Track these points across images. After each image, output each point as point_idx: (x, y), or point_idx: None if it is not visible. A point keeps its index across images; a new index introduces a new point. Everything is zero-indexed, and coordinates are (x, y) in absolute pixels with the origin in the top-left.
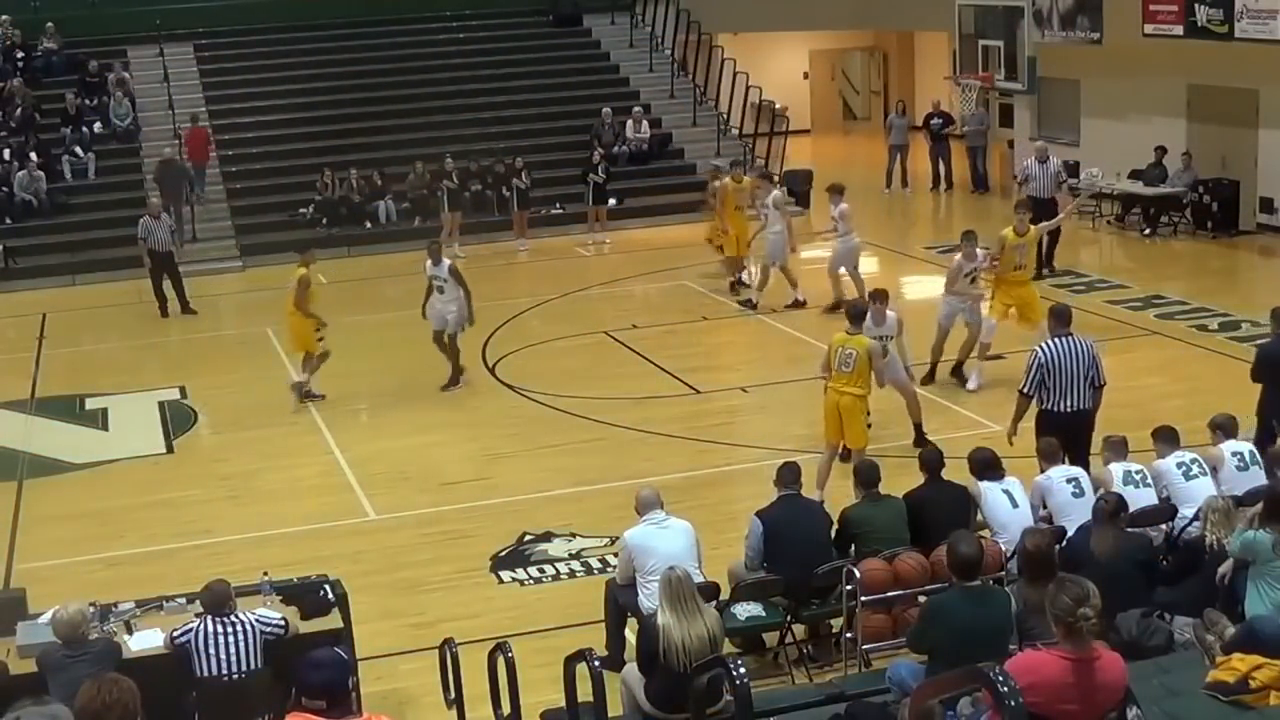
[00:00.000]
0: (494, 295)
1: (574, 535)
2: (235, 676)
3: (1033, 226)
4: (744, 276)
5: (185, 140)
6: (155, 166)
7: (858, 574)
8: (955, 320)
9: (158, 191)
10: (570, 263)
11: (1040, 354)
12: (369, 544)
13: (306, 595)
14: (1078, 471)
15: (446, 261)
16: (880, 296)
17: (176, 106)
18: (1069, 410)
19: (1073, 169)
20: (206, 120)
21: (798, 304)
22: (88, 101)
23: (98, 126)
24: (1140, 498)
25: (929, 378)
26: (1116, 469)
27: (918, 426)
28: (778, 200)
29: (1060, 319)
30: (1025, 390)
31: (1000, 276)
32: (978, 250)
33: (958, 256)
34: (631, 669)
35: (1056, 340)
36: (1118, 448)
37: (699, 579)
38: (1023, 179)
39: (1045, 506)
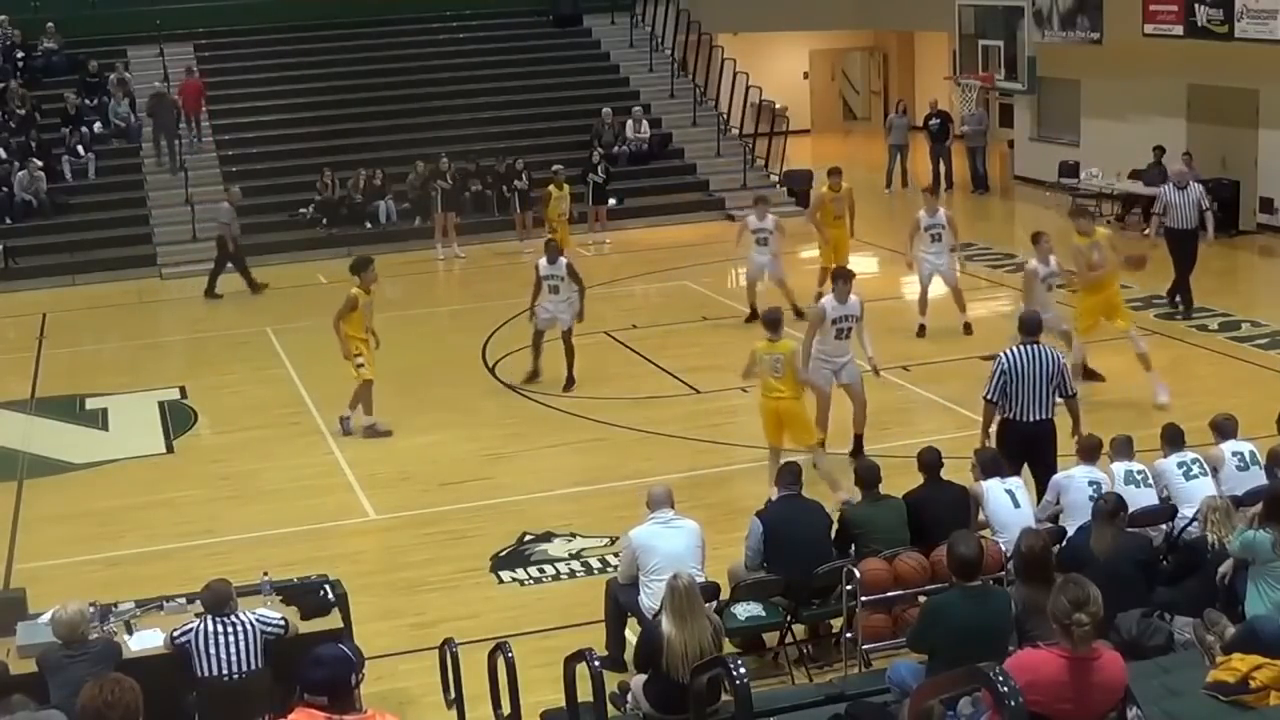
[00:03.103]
0: (494, 295)
1: (574, 535)
2: (235, 676)
3: (1099, 228)
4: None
5: (181, 91)
6: (147, 102)
7: (858, 574)
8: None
9: (225, 180)
10: None
11: (1004, 360)
12: (369, 544)
13: (306, 595)
14: (1101, 476)
15: (563, 259)
16: (845, 275)
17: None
18: (1031, 421)
19: (1072, 169)
20: (207, 119)
21: (923, 329)
22: (88, 101)
23: (98, 126)
24: (1141, 497)
25: None
26: (1118, 468)
27: (858, 438)
28: (950, 217)
29: (1027, 327)
30: (989, 397)
31: (1085, 288)
32: (1051, 257)
33: (1031, 262)
34: (640, 678)
35: (1022, 348)
36: (1123, 448)
37: (700, 579)
38: (1161, 209)
39: (1059, 502)
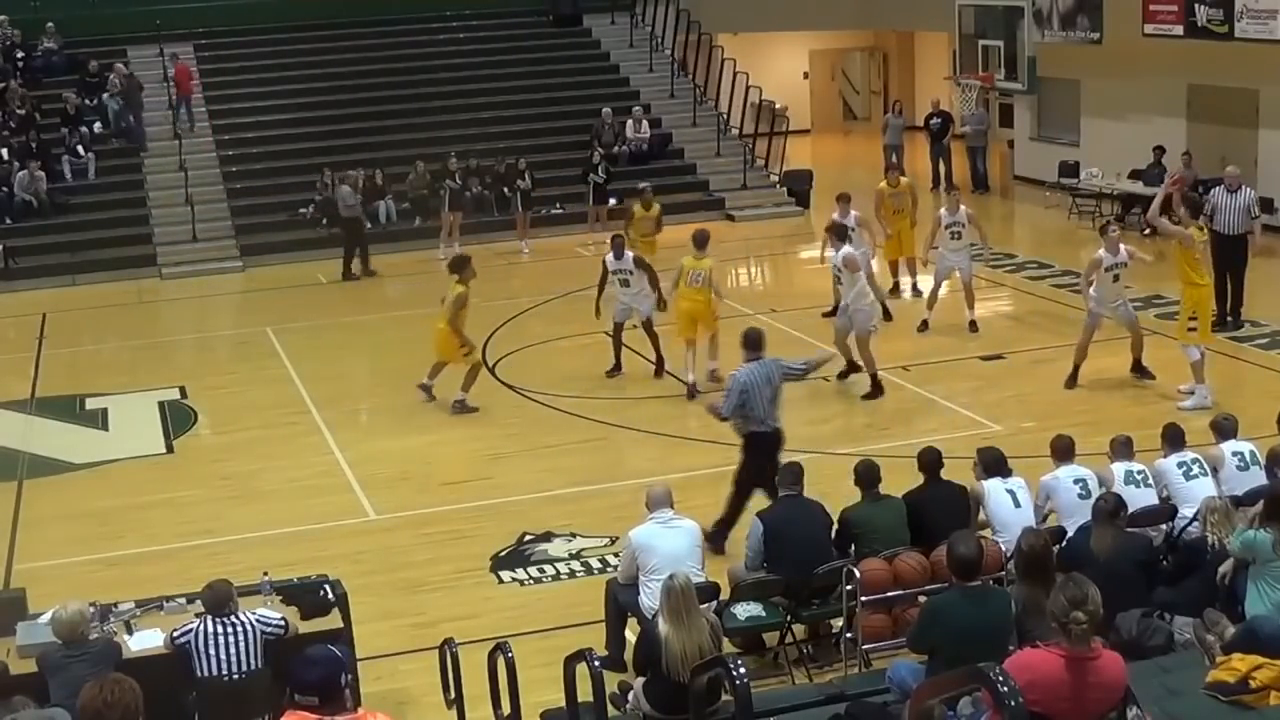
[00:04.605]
0: (494, 295)
1: (574, 535)
2: (235, 677)
3: (1195, 225)
4: (905, 284)
5: (175, 78)
6: (120, 89)
7: (858, 574)
8: (1100, 324)
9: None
10: (570, 263)
11: (739, 378)
12: (369, 544)
13: (306, 595)
14: (1085, 473)
15: (630, 253)
16: (838, 230)
17: (176, 105)
18: (771, 430)
19: (1072, 169)
20: (206, 120)
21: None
22: (88, 101)
23: (98, 126)
24: (1141, 497)
25: (1071, 382)
26: (1118, 468)
27: (846, 371)
28: (972, 216)
29: (752, 344)
30: (726, 414)
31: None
32: (1121, 246)
33: (1100, 251)
34: (641, 680)
35: (753, 365)
36: (1122, 448)
37: (700, 579)
38: (1210, 210)
39: (1047, 504)
